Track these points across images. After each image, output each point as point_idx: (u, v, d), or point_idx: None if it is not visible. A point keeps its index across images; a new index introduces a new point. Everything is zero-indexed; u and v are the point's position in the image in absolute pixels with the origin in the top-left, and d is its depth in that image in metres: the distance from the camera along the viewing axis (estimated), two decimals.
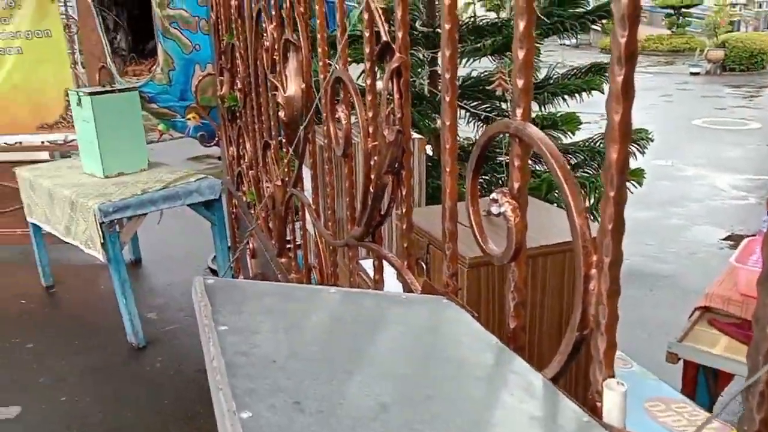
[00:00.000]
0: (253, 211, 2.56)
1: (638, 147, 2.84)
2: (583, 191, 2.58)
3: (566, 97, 2.63)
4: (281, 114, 1.45)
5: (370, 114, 1.05)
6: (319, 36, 1.29)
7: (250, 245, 2.75)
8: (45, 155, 4.18)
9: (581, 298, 0.55)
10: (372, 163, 1.04)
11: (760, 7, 19.50)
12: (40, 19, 3.78)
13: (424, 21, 2.78)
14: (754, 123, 8.54)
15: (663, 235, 4.64)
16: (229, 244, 3.40)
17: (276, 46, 1.69)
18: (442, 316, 0.73)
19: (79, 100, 3.18)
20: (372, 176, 1.05)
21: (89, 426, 2.54)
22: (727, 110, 9.68)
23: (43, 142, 4.06)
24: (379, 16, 0.93)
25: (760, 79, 12.84)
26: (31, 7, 3.76)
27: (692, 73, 13.73)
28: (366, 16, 1.01)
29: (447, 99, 0.77)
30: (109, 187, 3.12)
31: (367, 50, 1.03)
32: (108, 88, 3.25)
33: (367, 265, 1.71)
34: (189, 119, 3.39)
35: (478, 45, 2.24)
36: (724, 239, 4.55)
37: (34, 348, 3.15)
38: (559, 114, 2.35)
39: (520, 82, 0.63)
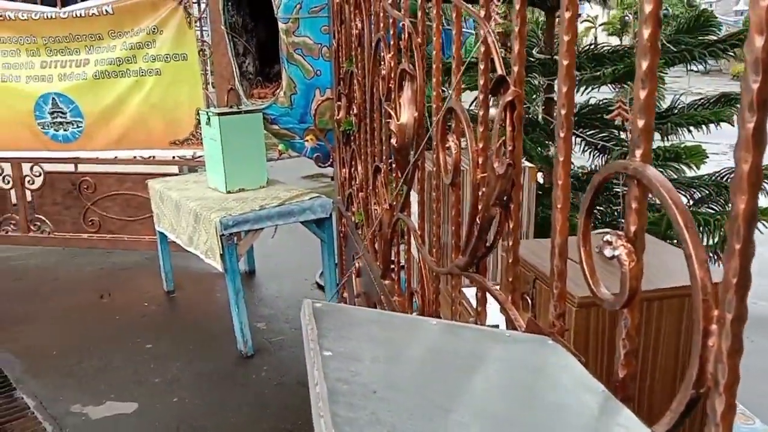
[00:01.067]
0: (360, 232, 2.62)
1: None
2: (707, 229, 2.42)
3: (692, 128, 2.49)
4: (393, 141, 1.48)
5: (481, 145, 1.05)
6: (434, 66, 1.31)
7: (356, 264, 2.81)
8: (175, 169, 4.51)
9: (698, 354, 0.52)
10: (480, 193, 1.04)
11: None
12: (178, 43, 4.10)
13: (542, 48, 2.75)
14: None
15: None
16: (336, 261, 3.48)
17: (392, 75, 1.73)
18: (546, 357, 0.71)
19: (209, 119, 3.40)
20: (479, 207, 1.05)
21: (196, 428, 2.67)
22: None
23: (173, 157, 4.38)
24: (496, 50, 0.93)
25: None
26: (172, 33, 4.09)
27: None
28: (483, 48, 1.01)
29: (562, 135, 0.76)
30: (230, 201, 3.31)
31: (481, 82, 1.03)
32: (235, 109, 3.46)
33: (470, 293, 1.70)
34: (307, 140, 3.53)
35: (598, 73, 2.18)
36: None
37: (153, 349, 3.37)
38: (683, 145, 2.23)
39: (640, 123, 0.61)
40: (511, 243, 0.94)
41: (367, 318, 0.70)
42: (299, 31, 3.23)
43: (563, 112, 0.75)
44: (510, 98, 0.87)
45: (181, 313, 3.91)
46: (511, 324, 0.94)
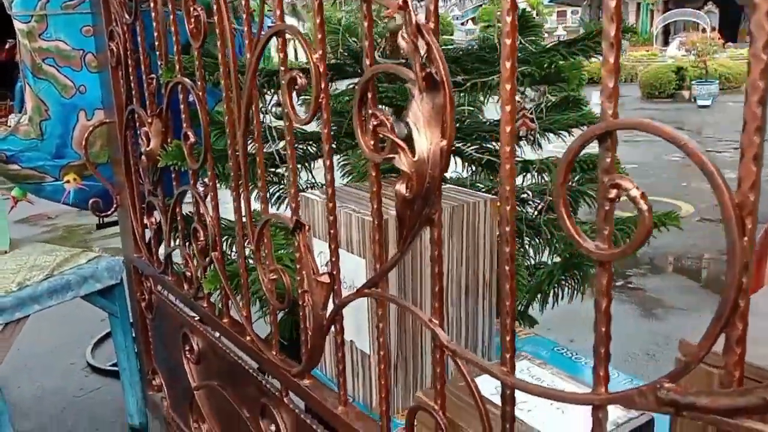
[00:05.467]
0: (206, 304, 1.91)
1: None
2: None
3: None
4: (401, 188, 0.92)
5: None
6: (508, 63, 0.80)
7: (195, 346, 2.07)
8: None
9: None
10: None
11: None
12: None
13: (385, 52, 2.34)
14: None
15: None
16: (136, 341, 2.63)
17: (321, 85, 1.15)
18: None
19: None
20: None
21: None
22: None
23: None
24: None
25: None
26: None
27: None
28: None
29: None
30: None
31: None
32: None
33: (487, 387, 1.21)
34: (67, 182, 2.59)
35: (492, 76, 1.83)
36: None
37: None
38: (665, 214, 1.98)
39: None
40: None
41: None
42: (49, 34, 2.32)
43: None
44: None
45: None
46: None
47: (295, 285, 1.40)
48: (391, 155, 0.93)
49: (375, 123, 1.02)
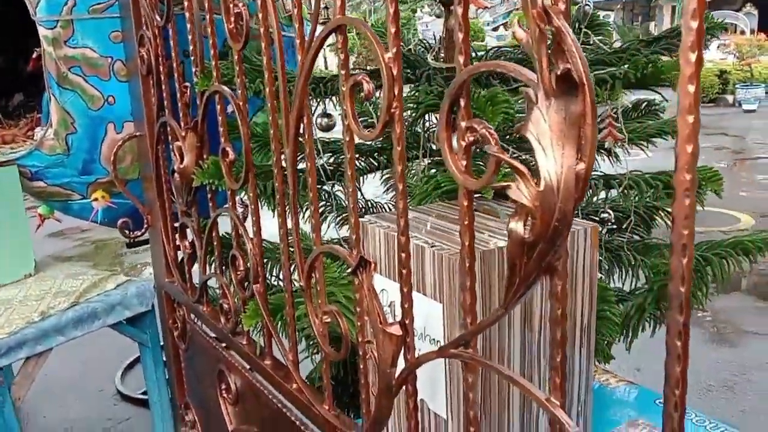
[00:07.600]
0: (246, 341, 1.69)
1: None
2: None
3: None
4: (518, 227, 0.68)
5: None
6: (693, 56, 0.56)
7: (232, 385, 1.86)
8: None
9: None
10: None
11: None
12: None
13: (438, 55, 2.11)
14: None
15: None
16: (168, 370, 2.43)
17: (394, 90, 0.92)
18: None
19: None
20: None
21: None
22: None
23: None
24: None
25: None
26: None
27: None
28: None
29: None
30: None
31: None
32: None
33: None
34: (95, 199, 2.41)
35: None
36: None
37: None
38: (701, 169, 1.74)
39: None
40: None
41: None
42: (75, 40, 2.14)
43: None
44: None
45: None
46: None
47: (354, 330, 1.17)
48: (505, 183, 0.69)
49: (471, 138, 0.79)
